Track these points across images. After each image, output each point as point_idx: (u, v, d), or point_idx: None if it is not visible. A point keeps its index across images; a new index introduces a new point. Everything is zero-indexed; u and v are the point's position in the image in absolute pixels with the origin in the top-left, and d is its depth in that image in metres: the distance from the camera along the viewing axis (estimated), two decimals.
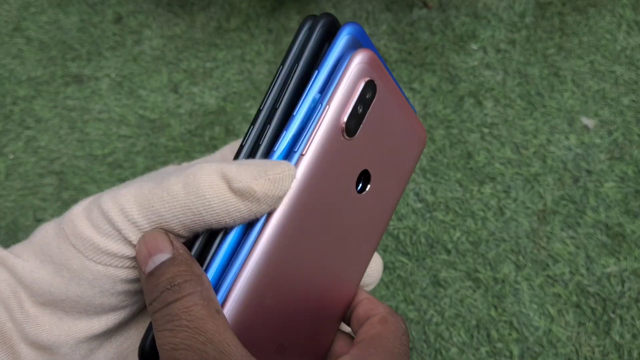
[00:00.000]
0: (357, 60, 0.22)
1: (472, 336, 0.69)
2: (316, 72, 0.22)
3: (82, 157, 0.82)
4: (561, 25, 0.85)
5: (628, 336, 0.67)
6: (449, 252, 0.73)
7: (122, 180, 0.81)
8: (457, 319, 0.70)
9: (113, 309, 0.22)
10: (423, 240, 0.74)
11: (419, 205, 0.76)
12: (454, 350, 0.68)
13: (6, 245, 0.26)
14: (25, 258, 0.22)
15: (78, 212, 0.22)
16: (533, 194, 0.75)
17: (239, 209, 0.20)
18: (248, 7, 0.92)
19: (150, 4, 0.93)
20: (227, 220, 0.20)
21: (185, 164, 0.26)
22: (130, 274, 0.22)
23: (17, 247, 0.23)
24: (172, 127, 0.83)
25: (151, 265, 0.20)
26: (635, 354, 0.67)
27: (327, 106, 0.22)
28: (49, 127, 0.84)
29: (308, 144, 0.22)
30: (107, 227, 0.21)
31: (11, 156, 0.83)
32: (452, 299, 0.71)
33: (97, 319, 0.22)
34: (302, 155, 0.22)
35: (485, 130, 0.79)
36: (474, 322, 0.70)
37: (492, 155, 0.78)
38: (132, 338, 0.24)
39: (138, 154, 0.81)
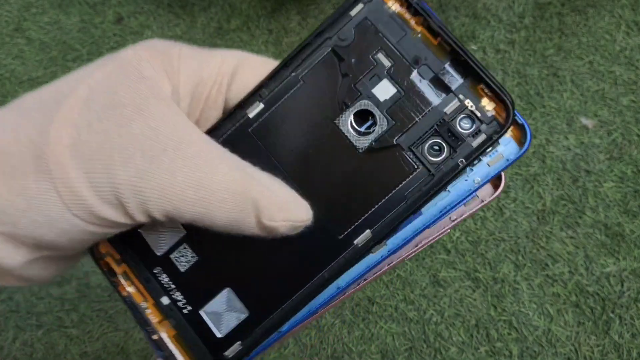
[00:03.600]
0: None
1: (471, 335, 0.69)
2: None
3: None
4: (560, 25, 0.85)
5: (627, 336, 0.67)
6: (448, 251, 0.73)
7: None
8: (457, 318, 0.70)
9: (68, 250, 0.22)
10: None
11: None
12: (453, 349, 0.69)
13: None
14: None
15: (72, 166, 0.20)
16: (532, 193, 0.75)
17: (252, 232, 0.22)
18: (248, 7, 0.92)
19: (150, 4, 0.93)
20: (232, 232, 0.22)
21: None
22: (102, 230, 0.21)
23: None
24: None
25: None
26: (634, 354, 0.67)
27: None
28: None
29: None
30: (113, 200, 0.20)
31: None
32: (452, 299, 0.71)
33: (47, 251, 0.22)
34: None
35: None
36: (473, 322, 0.70)
37: None
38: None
39: None
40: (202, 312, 0.24)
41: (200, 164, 0.20)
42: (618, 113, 0.79)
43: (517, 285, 0.71)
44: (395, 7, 0.24)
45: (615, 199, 0.74)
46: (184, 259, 0.24)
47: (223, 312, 0.24)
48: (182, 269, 0.24)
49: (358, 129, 0.23)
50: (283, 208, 0.21)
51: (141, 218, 0.21)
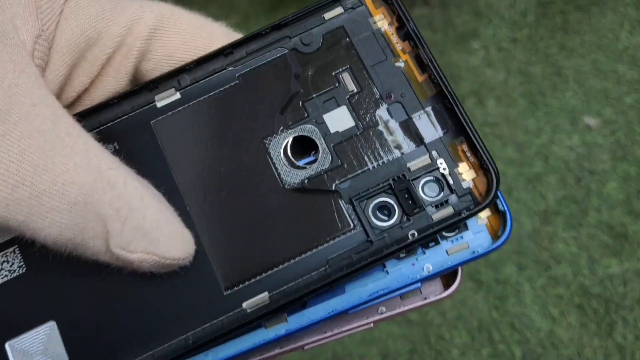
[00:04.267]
0: None
1: (473, 338, 0.69)
2: None
3: None
4: (563, 24, 0.85)
5: (630, 337, 0.67)
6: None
7: None
8: (459, 320, 0.70)
9: None
10: None
11: None
12: (455, 351, 0.68)
13: None
14: None
15: None
16: (535, 194, 0.74)
17: (99, 259, 0.16)
18: (247, 5, 0.91)
19: None
20: (67, 252, 0.16)
21: None
22: None
23: None
24: None
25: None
26: (637, 356, 0.66)
27: None
28: None
29: None
30: None
31: None
32: (454, 300, 0.70)
33: None
34: None
35: (487, 129, 0.79)
36: (475, 324, 0.69)
37: (494, 155, 0.77)
38: None
39: None
40: (7, 346, 0.17)
41: (29, 151, 0.14)
42: (621, 112, 0.78)
43: (519, 286, 0.70)
44: (382, 24, 0.19)
45: (618, 199, 0.73)
46: (8, 266, 0.18)
47: (35, 354, 0.17)
48: (1, 280, 0.18)
49: (292, 159, 0.18)
50: (147, 236, 0.15)
51: None
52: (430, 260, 0.19)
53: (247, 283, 0.17)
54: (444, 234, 0.19)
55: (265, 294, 0.17)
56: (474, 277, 0.71)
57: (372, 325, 0.20)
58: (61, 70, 0.17)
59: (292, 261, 0.17)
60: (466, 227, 0.19)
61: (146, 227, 0.15)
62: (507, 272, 0.71)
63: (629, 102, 0.79)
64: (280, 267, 0.17)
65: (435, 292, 0.20)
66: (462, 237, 0.19)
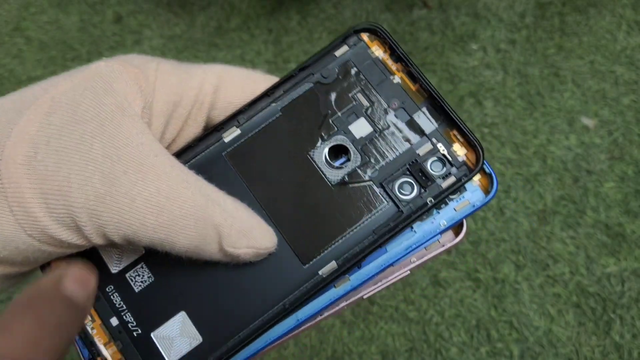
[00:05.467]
0: None
1: (472, 336, 0.69)
2: None
3: None
4: (561, 25, 0.85)
5: (628, 336, 0.67)
6: (448, 252, 0.73)
7: None
8: (457, 319, 0.70)
9: (23, 267, 0.21)
10: None
11: None
12: (454, 350, 0.68)
13: None
14: None
15: (27, 185, 0.19)
16: (533, 194, 0.75)
17: (214, 258, 0.21)
18: (248, 7, 0.92)
19: (150, 3, 0.93)
20: (190, 257, 0.21)
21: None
22: (58, 250, 0.21)
23: None
24: None
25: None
26: (635, 354, 0.67)
27: None
28: None
29: None
30: (70, 222, 0.19)
31: None
32: (452, 299, 0.71)
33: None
34: None
35: (485, 130, 0.79)
36: (474, 322, 0.70)
37: (492, 155, 0.78)
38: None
39: None
40: (153, 336, 0.23)
41: (162, 188, 0.19)
42: (619, 113, 0.79)
43: (517, 285, 0.70)
44: (378, 53, 0.25)
45: (616, 199, 0.74)
46: (140, 278, 0.23)
47: (175, 337, 0.23)
48: (137, 289, 0.23)
49: (331, 162, 0.24)
50: (246, 235, 0.21)
51: (98, 241, 0.20)
52: (444, 217, 0.24)
53: (318, 257, 0.23)
54: (451, 196, 0.24)
55: (334, 262, 0.23)
56: (473, 276, 0.71)
57: (409, 272, 0.26)
58: (159, 129, 0.22)
59: (347, 235, 0.23)
60: (465, 189, 0.24)
61: (246, 229, 0.21)
62: (505, 271, 0.71)
63: (627, 102, 0.79)
64: (340, 241, 0.23)
65: (449, 240, 0.26)
66: (463, 197, 0.24)
